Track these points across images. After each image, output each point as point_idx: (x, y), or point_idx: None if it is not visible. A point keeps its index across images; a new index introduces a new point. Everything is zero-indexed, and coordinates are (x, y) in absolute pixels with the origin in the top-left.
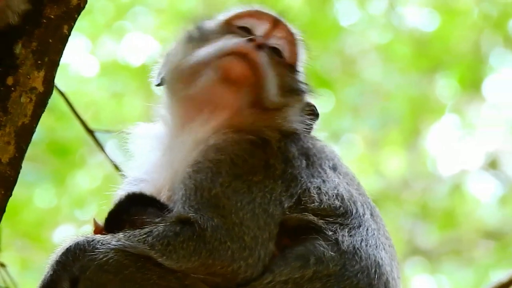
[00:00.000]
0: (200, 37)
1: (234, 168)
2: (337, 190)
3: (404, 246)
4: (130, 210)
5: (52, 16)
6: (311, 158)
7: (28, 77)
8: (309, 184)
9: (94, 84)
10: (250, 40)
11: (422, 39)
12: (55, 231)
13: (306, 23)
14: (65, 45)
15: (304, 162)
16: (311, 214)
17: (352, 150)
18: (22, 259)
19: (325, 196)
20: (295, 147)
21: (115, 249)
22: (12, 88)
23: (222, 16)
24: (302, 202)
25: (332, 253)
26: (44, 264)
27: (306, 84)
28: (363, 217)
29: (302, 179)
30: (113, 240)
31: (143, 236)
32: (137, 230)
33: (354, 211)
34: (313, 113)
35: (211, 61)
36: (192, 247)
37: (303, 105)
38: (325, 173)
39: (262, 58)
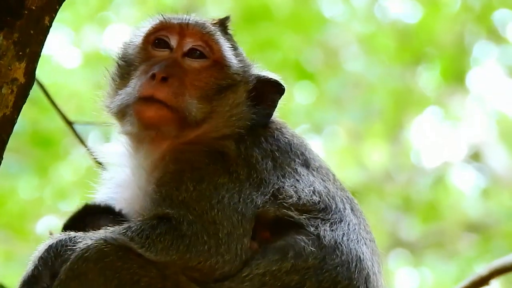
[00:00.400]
0: (124, 70)
1: (196, 173)
2: (313, 187)
3: (387, 239)
4: (86, 219)
5: (33, 7)
6: (277, 159)
7: (10, 68)
8: (281, 183)
9: (77, 75)
10: (153, 76)
11: (405, 31)
12: (38, 223)
13: (289, 15)
14: (46, 36)
15: (270, 164)
16: (290, 209)
17: (334, 142)
18: (5, 250)
19: (302, 193)
20: (257, 150)
21: (96, 239)
22: None
23: (140, 36)
24: (279, 198)
25: (312, 248)
26: (27, 257)
27: (245, 68)
28: (344, 212)
29: (272, 180)
30: (94, 235)
31: (123, 231)
32: (116, 226)
33: (334, 206)
34: (272, 87)
35: (129, 105)
36: (170, 242)
37: (244, 93)
38: (296, 172)
39: (167, 92)
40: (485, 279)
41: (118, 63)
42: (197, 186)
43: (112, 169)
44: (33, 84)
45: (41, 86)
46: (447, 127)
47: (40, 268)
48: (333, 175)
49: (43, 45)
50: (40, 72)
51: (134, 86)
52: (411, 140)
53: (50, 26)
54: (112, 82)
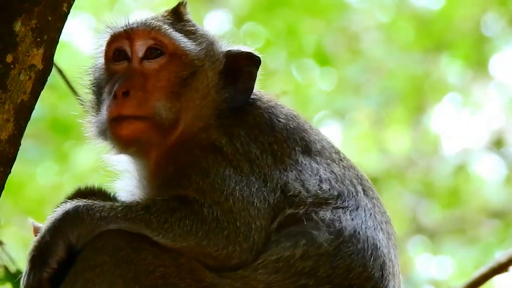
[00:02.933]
0: (96, 95)
1: (197, 167)
2: (319, 176)
3: (407, 225)
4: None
5: None
6: (277, 153)
7: (27, 54)
8: (284, 178)
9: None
10: (115, 95)
11: (426, 18)
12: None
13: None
14: (64, 22)
15: (270, 159)
16: (301, 205)
17: (355, 128)
18: (24, 236)
19: (309, 184)
20: (254, 145)
21: (111, 230)
22: (12, 66)
23: (99, 56)
24: (289, 195)
25: (327, 234)
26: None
27: (208, 49)
28: (357, 196)
29: (275, 175)
30: (111, 212)
31: (141, 212)
32: (135, 203)
33: (346, 191)
34: (246, 60)
35: (105, 129)
36: (189, 226)
37: (214, 75)
38: (298, 162)
39: (131, 105)
40: (504, 266)
41: (92, 90)
42: (205, 179)
43: (124, 177)
44: (51, 70)
45: (60, 71)
46: (468, 114)
47: (54, 239)
48: (337, 153)
49: (61, 31)
50: (59, 58)
51: (104, 110)
52: (433, 126)
53: (68, 12)
54: (91, 110)
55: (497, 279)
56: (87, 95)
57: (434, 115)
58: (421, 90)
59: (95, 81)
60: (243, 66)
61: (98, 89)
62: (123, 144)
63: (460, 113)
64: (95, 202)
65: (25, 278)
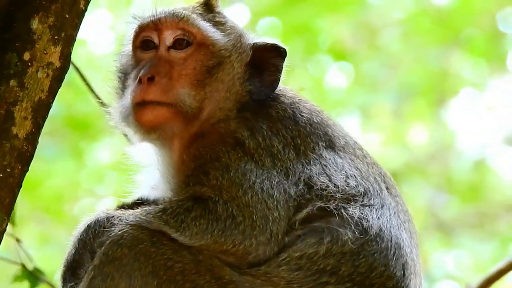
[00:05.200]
0: (122, 81)
1: (218, 163)
2: (345, 171)
3: (426, 219)
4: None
5: None
6: (300, 147)
7: (45, 52)
8: (308, 171)
9: (113, 58)
10: (140, 80)
11: (444, 13)
12: (75, 205)
13: None
14: (81, 20)
15: (292, 153)
16: (330, 199)
17: (375, 123)
18: (41, 233)
19: (336, 179)
20: (276, 140)
21: (131, 224)
22: (29, 63)
23: (128, 44)
24: (316, 188)
25: (353, 232)
26: (64, 240)
27: (236, 41)
28: (381, 193)
29: (297, 169)
30: (130, 216)
31: (158, 214)
32: (153, 207)
33: (371, 189)
34: (271, 52)
35: (128, 115)
36: (205, 225)
37: (240, 66)
38: (321, 157)
39: (156, 91)
40: None
41: (117, 76)
42: (225, 175)
43: (144, 170)
44: (69, 68)
45: (76, 69)
46: (487, 109)
47: (80, 251)
48: (361, 149)
49: (78, 29)
50: (76, 56)
51: (128, 95)
52: (452, 121)
53: (86, 10)
54: (115, 96)
55: None
56: (112, 82)
57: (452, 109)
58: (439, 85)
59: (121, 67)
60: (268, 58)
61: (123, 75)
62: (145, 130)
63: (478, 107)
64: (116, 211)
65: None
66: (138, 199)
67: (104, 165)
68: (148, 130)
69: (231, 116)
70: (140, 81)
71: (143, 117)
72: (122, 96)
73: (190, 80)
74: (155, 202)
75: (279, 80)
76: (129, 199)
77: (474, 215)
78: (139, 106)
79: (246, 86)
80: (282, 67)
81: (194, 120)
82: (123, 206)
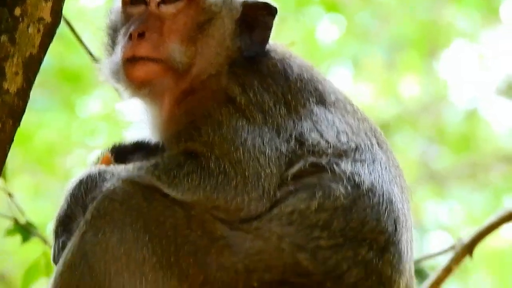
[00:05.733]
0: (112, 37)
1: (210, 120)
2: (336, 127)
3: (418, 170)
4: (134, 154)
5: None
6: (290, 103)
7: (36, 7)
8: (299, 128)
9: (103, 12)
10: (131, 36)
11: None
12: (67, 158)
13: None
14: None
15: (283, 109)
16: (321, 155)
17: (366, 75)
18: (33, 185)
19: (327, 135)
20: (267, 96)
21: (123, 179)
22: (20, 19)
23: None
24: (307, 144)
25: (345, 188)
26: (56, 192)
27: None
28: (373, 149)
29: (288, 125)
30: (123, 171)
31: (150, 169)
32: (145, 162)
33: (363, 144)
34: (262, 10)
35: (119, 70)
36: (197, 181)
37: (230, 23)
38: (312, 113)
39: (146, 46)
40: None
41: (107, 32)
42: (217, 131)
43: (135, 126)
44: (60, 23)
45: (67, 23)
46: (479, 60)
47: (72, 207)
48: (351, 104)
49: None
50: (67, 9)
51: (118, 51)
52: (444, 72)
53: None
54: (105, 52)
55: (506, 227)
56: (102, 38)
57: (444, 61)
58: (431, 36)
59: (111, 24)
60: (259, 16)
61: (113, 32)
62: (136, 86)
63: (470, 59)
64: (109, 167)
65: (52, 251)
66: (133, 142)
67: (95, 117)
68: (139, 86)
69: (222, 72)
70: (130, 37)
71: (133, 72)
72: (112, 52)
73: (181, 35)
74: (154, 145)
75: (269, 38)
76: (123, 142)
77: (466, 166)
78: (129, 62)
79: (236, 43)
80: (272, 25)
81: (184, 76)
82: (119, 147)
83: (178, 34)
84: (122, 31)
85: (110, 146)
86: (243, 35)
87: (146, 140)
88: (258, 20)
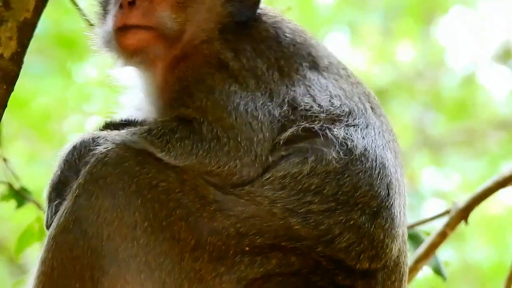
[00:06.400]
0: (103, 6)
1: (202, 85)
2: (329, 91)
3: (414, 137)
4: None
5: None
6: (283, 68)
7: None
8: (292, 92)
9: None
10: (121, 5)
11: None
12: (62, 123)
13: None
14: None
15: (276, 74)
16: (314, 120)
17: (363, 41)
18: (29, 151)
19: (320, 99)
20: (260, 61)
21: (116, 143)
22: None
23: None
24: (300, 109)
25: (337, 152)
26: (51, 157)
27: None
28: (366, 113)
29: (281, 90)
30: (116, 136)
31: (144, 134)
32: (138, 128)
33: (356, 108)
34: None
35: (111, 39)
36: (190, 146)
37: None
38: (305, 77)
39: (137, 15)
40: (509, 180)
41: (99, 1)
42: (209, 96)
43: (129, 92)
44: None
45: None
46: (476, 25)
47: (65, 172)
48: (345, 69)
49: None
50: None
51: (109, 20)
52: (440, 38)
53: None
54: (97, 21)
55: (501, 192)
56: (94, 6)
57: (441, 27)
58: (428, 2)
59: None
60: None
61: (105, 0)
62: (128, 54)
63: (468, 24)
64: (102, 132)
65: (45, 216)
66: (123, 120)
67: (91, 83)
68: (131, 54)
69: (213, 37)
70: (121, 5)
71: (125, 41)
72: (104, 21)
73: (171, 3)
74: (141, 123)
75: (260, 2)
76: (114, 119)
77: (463, 132)
78: (120, 30)
79: (227, 8)
80: None
81: (176, 43)
82: (109, 125)
83: (168, 1)
84: (113, 0)
85: (102, 124)
86: (233, 0)
87: (131, 118)
88: None
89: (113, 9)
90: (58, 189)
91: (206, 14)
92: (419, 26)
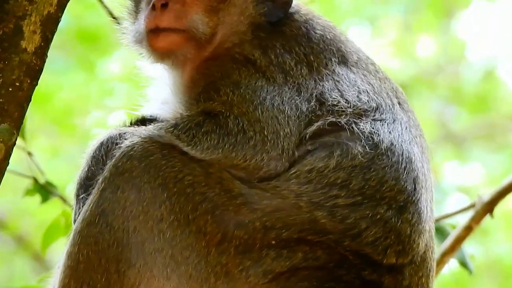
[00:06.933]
0: (134, 4)
1: (228, 80)
2: (357, 87)
3: (436, 131)
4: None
5: None
6: (313, 63)
7: None
8: (320, 87)
9: None
10: (153, 6)
11: None
12: (85, 118)
13: None
14: None
15: (305, 69)
16: (341, 114)
17: (384, 35)
18: (52, 146)
19: (348, 94)
20: (288, 56)
21: (142, 137)
22: None
23: None
24: (327, 104)
25: (363, 146)
26: (74, 152)
27: None
28: (393, 108)
29: (309, 85)
30: (142, 131)
31: (170, 129)
32: (164, 122)
33: (384, 103)
34: None
35: (141, 39)
36: (216, 140)
37: None
38: (334, 72)
39: (169, 17)
40: None
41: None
42: (235, 91)
43: (156, 85)
44: None
45: None
46: (497, 19)
47: (93, 168)
48: (373, 64)
49: None
50: None
51: (141, 20)
52: (460, 32)
53: None
54: (127, 18)
55: None
56: (123, 2)
57: (462, 21)
58: None
59: None
60: None
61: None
62: (159, 56)
63: (488, 19)
64: (129, 127)
65: (73, 213)
66: (150, 116)
67: (114, 78)
68: (161, 56)
69: (244, 39)
70: (153, 7)
71: (157, 43)
72: (135, 18)
73: (203, 6)
74: (164, 120)
75: (291, 2)
76: (139, 115)
77: (484, 126)
78: (152, 32)
79: (259, 9)
80: None
81: (207, 45)
82: (136, 122)
83: (201, 4)
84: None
85: (129, 120)
86: (266, 1)
87: (155, 115)
88: None
89: (145, 9)
90: (85, 185)
91: (238, 17)
92: (439, 20)
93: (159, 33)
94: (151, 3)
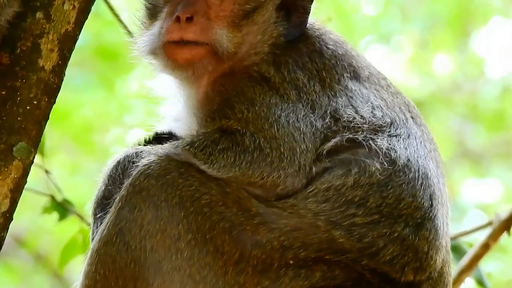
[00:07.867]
0: (151, 12)
1: (243, 97)
2: (371, 102)
3: (453, 149)
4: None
5: None
6: (325, 79)
7: None
8: (334, 104)
9: None
10: (178, 18)
11: None
12: (104, 136)
13: None
14: None
15: (317, 85)
16: (357, 131)
17: (401, 52)
18: (71, 163)
19: (362, 110)
20: (301, 73)
21: (159, 155)
22: None
23: None
24: (342, 121)
25: (380, 163)
26: (93, 170)
27: None
28: (407, 123)
29: (323, 101)
30: (159, 150)
31: (186, 147)
32: (180, 140)
33: (397, 118)
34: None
35: (158, 47)
36: (232, 158)
37: (272, 10)
38: (347, 88)
39: (195, 31)
40: None
41: (145, 6)
42: (250, 108)
43: (168, 102)
44: None
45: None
46: None
47: (110, 188)
48: (385, 79)
49: None
50: None
51: (161, 28)
52: (478, 49)
53: None
54: (142, 25)
55: None
56: (139, 13)
57: (479, 38)
58: (466, 13)
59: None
60: (297, 0)
61: (153, 7)
62: (179, 67)
63: (505, 36)
64: (146, 146)
65: (91, 232)
66: (166, 133)
67: (133, 95)
68: (181, 66)
69: (263, 59)
70: (178, 19)
71: (179, 55)
72: (149, 28)
73: (228, 22)
74: (178, 136)
75: (307, 22)
76: (156, 132)
77: (502, 143)
78: (175, 44)
79: (278, 28)
80: (310, 9)
81: (228, 60)
82: (152, 140)
83: (225, 20)
84: (165, 10)
85: (146, 138)
86: (282, 21)
87: (169, 131)
88: (296, 5)
89: (166, 20)
90: (102, 204)
91: (261, 36)
92: (457, 38)
93: (184, 45)
94: (175, 15)
